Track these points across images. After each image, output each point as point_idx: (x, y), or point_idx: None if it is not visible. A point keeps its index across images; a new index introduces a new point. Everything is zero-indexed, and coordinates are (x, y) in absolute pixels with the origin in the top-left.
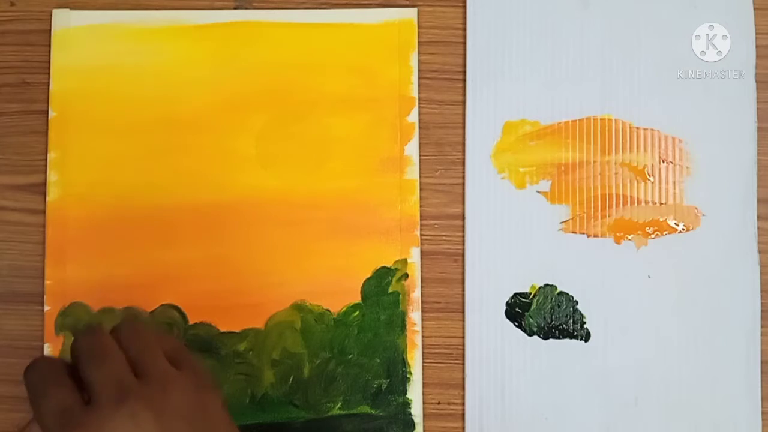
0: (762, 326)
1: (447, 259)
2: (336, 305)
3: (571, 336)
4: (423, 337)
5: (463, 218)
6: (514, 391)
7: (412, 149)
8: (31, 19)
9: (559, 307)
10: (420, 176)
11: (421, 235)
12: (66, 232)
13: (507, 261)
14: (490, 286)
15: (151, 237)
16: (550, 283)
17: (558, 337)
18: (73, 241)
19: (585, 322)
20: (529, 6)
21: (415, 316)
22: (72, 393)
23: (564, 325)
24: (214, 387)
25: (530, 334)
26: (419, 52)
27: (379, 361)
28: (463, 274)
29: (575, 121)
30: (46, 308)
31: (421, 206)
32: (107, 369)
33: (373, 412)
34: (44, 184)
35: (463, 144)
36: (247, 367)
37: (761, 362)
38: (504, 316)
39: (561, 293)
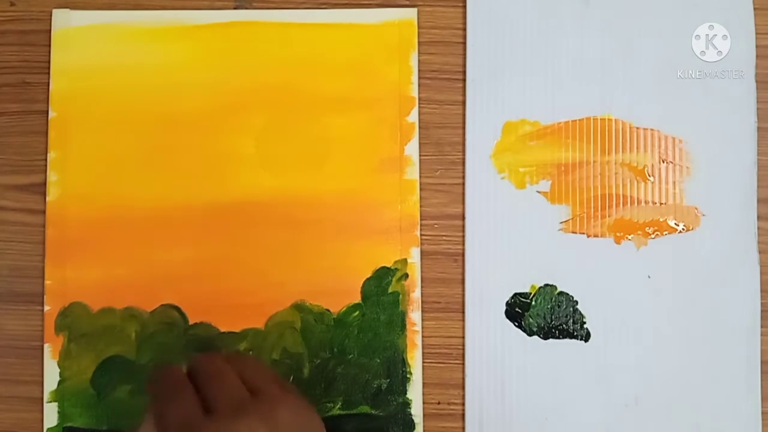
0: (762, 326)
1: (447, 259)
2: (336, 305)
3: (571, 336)
4: (423, 337)
5: (463, 218)
6: (514, 391)
7: (412, 149)
8: (31, 19)
9: (559, 307)
10: (420, 176)
11: (421, 235)
12: (66, 232)
13: (507, 261)
14: (490, 286)
15: (151, 237)
16: (550, 283)
17: (558, 337)
18: (73, 241)
19: (585, 322)
20: (529, 6)
21: (415, 316)
22: (196, 404)
23: (564, 325)
24: (315, 410)
25: (530, 334)
26: (419, 52)
27: (379, 361)
28: (463, 274)
29: (575, 121)
30: (46, 308)
31: (421, 206)
32: (226, 386)
33: (373, 412)
34: (44, 184)
35: (463, 144)
36: None
37: (761, 362)
38: (504, 316)
39: (561, 293)
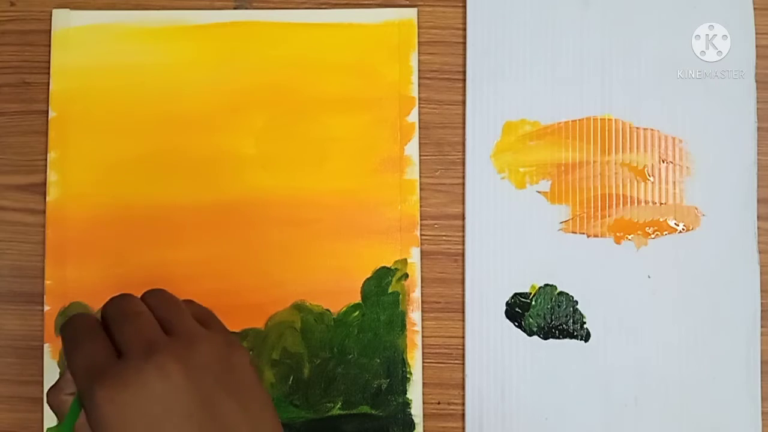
0: (762, 326)
1: (447, 259)
2: (336, 305)
3: (571, 336)
4: (423, 337)
5: (463, 218)
6: (514, 391)
7: (412, 149)
8: (31, 19)
9: (559, 307)
10: (420, 176)
11: (421, 235)
12: (66, 232)
13: (507, 261)
14: (490, 286)
15: (151, 237)
16: (550, 283)
17: (558, 337)
18: (73, 241)
19: (585, 322)
20: (529, 6)
21: (415, 316)
22: (104, 347)
23: (564, 325)
24: (241, 346)
25: (530, 334)
26: (419, 52)
27: (379, 361)
28: (463, 274)
29: (575, 121)
30: (46, 308)
31: (421, 206)
32: (137, 326)
33: (373, 412)
34: (44, 184)
35: (463, 144)
36: None
37: (761, 362)
38: (504, 316)
39: (561, 293)
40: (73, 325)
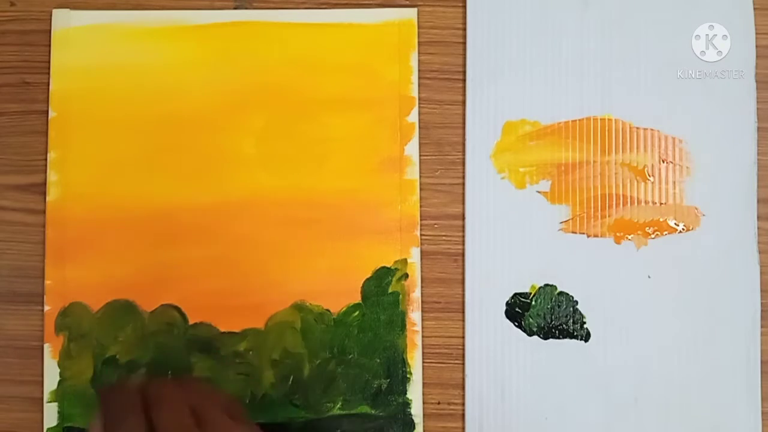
0: (762, 326)
1: (447, 259)
2: (336, 305)
3: (571, 336)
4: (423, 337)
5: (463, 218)
6: (514, 391)
7: (412, 149)
8: (31, 19)
9: (559, 307)
10: (420, 176)
11: (421, 235)
12: (66, 232)
13: (507, 261)
14: (490, 286)
15: (151, 237)
16: (550, 283)
17: (558, 337)
18: (73, 241)
19: (585, 322)
20: (529, 6)
21: (415, 316)
22: (144, 429)
23: (564, 325)
24: None
25: (530, 334)
26: (419, 52)
27: (379, 361)
28: (463, 274)
29: (575, 121)
30: (46, 308)
31: (421, 206)
32: (174, 414)
33: (373, 412)
34: (44, 184)
35: (463, 144)
36: (247, 367)
37: (761, 362)
38: (504, 316)
39: (561, 293)
40: (117, 396)
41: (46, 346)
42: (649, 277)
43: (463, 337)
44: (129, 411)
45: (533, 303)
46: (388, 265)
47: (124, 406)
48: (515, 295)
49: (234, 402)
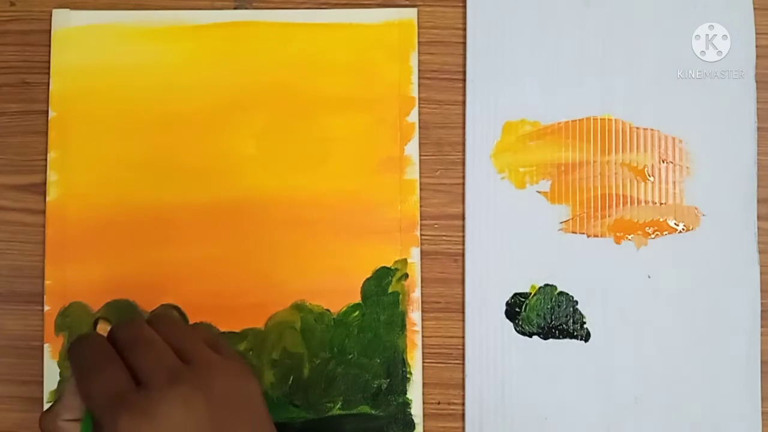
0: (762, 326)
1: (447, 259)
2: (336, 305)
3: (571, 336)
4: (423, 337)
5: (463, 218)
6: (514, 391)
7: (412, 149)
8: (31, 19)
9: (559, 307)
10: (420, 176)
11: (421, 235)
12: (66, 232)
13: (507, 261)
14: (490, 286)
15: (151, 237)
16: (550, 283)
17: (558, 337)
18: (73, 241)
19: (585, 322)
20: (530, 6)
21: (415, 316)
22: (125, 374)
23: (564, 325)
24: (254, 375)
25: (530, 334)
26: (419, 52)
27: (379, 361)
28: (463, 274)
29: (575, 121)
30: (46, 308)
31: (421, 206)
32: (156, 354)
33: (373, 412)
34: (44, 184)
35: (463, 144)
36: None
37: (761, 362)
38: (504, 316)
39: (561, 293)
40: (85, 348)
41: (46, 346)
42: (649, 277)
43: (463, 337)
44: (104, 359)
45: (533, 303)
46: (388, 265)
47: (98, 355)
48: (515, 295)
49: (216, 335)
